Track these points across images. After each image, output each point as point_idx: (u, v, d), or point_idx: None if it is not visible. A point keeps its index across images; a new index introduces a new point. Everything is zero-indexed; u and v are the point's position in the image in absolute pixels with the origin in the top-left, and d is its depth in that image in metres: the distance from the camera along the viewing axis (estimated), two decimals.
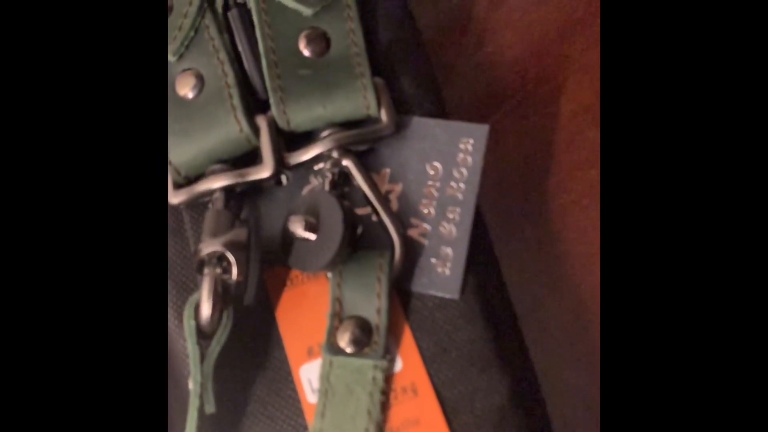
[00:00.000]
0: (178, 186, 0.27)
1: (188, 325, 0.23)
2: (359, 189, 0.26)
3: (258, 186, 0.27)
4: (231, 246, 0.24)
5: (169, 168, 0.26)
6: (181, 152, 0.26)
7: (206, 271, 0.24)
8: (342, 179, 0.27)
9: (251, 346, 0.26)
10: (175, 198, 0.26)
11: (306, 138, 0.27)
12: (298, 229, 0.24)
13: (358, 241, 0.25)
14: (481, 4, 0.36)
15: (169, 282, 0.27)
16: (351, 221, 0.25)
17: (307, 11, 0.27)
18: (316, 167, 0.27)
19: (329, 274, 0.25)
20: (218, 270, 0.24)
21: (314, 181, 0.27)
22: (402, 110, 0.27)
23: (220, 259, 0.24)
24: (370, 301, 0.24)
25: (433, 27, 0.35)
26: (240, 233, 0.24)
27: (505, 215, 0.32)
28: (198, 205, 0.27)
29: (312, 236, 0.24)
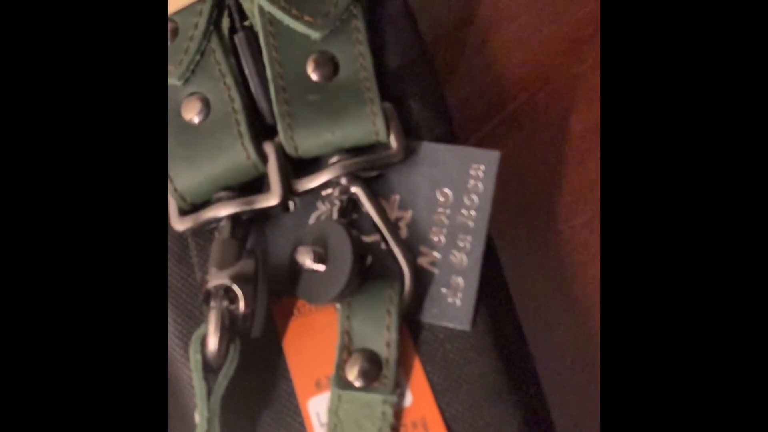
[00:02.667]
0: (183, 213, 0.26)
1: (194, 360, 0.23)
2: (368, 216, 0.26)
3: (264, 212, 0.26)
4: (238, 278, 0.23)
5: (174, 194, 0.26)
6: (186, 178, 0.26)
7: (213, 303, 0.23)
8: (350, 206, 0.26)
9: (258, 376, 0.25)
10: (180, 225, 0.26)
11: (313, 163, 0.26)
12: (307, 261, 0.24)
13: (367, 272, 0.25)
14: (490, 22, 0.35)
15: (175, 310, 0.26)
16: (360, 252, 0.24)
17: (315, 35, 0.26)
18: (323, 193, 0.26)
19: (338, 305, 0.25)
20: (225, 303, 0.23)
21: (322, 207, 0.27)
22: (411, 135, 0.27)
23: (227, 291, 0.23)
24: (380, 334, 0.24)
25: (439, 45, 0.35)
26: (247, 265, 0.24)
27: (514, 238, 0.32)
28: (203, 231, 0.26)
29: (321, 267, 0.24)
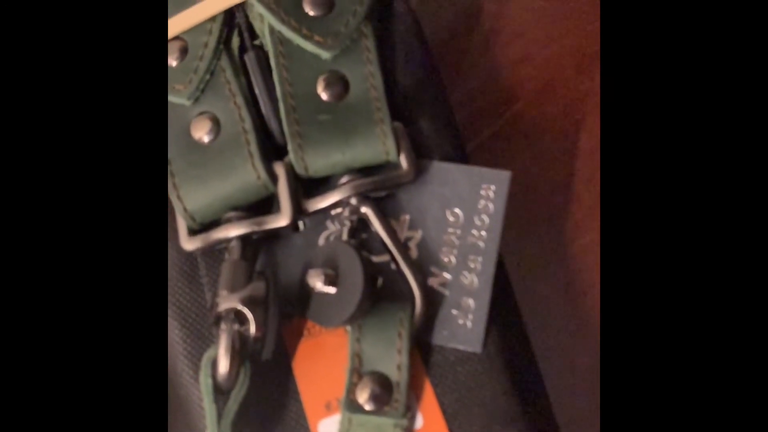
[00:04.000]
0: (192, 232, 0.26)
1: (205, 383, 0.23)
2: (377, 235, 0.26)
3: (274, 232, 0.26)
4: (249, 302, 0.23)
5: (184, 214, 0.26)
6: (196, 198, 0.26)
7: (223, 326, 0.23)
8: (360, 226, 0.26)
9: (268, 398, 0.25)
10: (189, 245, 0.26)
11: (322, 181, 0.26)
12: (318, 284, 0.24)
13: (378, 293, 0.25)
14: (497, 39, 0.35)
15: (184, 330, 0.26)
16: (371, 274, 0.24)
17: (326, 55, 0.26)
18: (333, 212, 0.26)
19: (348, 327, 0.25)
20: (236, 326, 0.23)
21: (331, 227, 0.26)
22: (421, 153, 0.27)
23: (238, 314, 0.23)
24: (391, 357, 0.24)
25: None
26: (258, 287, 0.24)
27: (522, 255, 0.32)
28: (213, 250, 0.26)
29: (332, 290, 0.24)
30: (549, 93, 0.34)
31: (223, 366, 0.23)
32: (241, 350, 0.23)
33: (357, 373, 0.24)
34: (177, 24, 0.27)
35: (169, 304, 0.26)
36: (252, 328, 0.23)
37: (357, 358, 0.24)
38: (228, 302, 0.23)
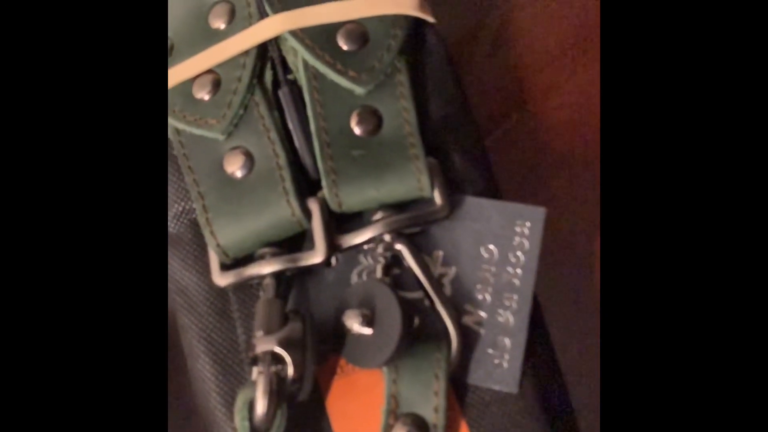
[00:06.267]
0: (224, 267, 0.26)
1: (242, 426, 0.23)
2: (410, 270, 0.25)
3: (307, 268, 0.26)
4: (286, 343, 0.23)
5: (217, 249, 0.26)
6: (229, 234, 0.25)
7: (261, 368, 0.23)
8: (393, 261, 0.26)
9: None
10: (222, 280, 0.26)
11: (354, 215, 0.26)
12: (355, 325, 0.24)
13: (415, 334, 0.25)
14: (504, 43, 0.35)
15: (216, 366, 0.26)
16: (408, 315, 0.24)
17: (360, 90, 0.26)
18: (365, 246, 0.26)
19: (384, 368, 0.24)
20: (273, 367, 0.23)
21: (363, 261, 0.26)
22: (453, 188, 0.26)
23: (275, 354, 0.23)
24: (428, 399, 0.24)
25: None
26: (295, 329, 0.23)
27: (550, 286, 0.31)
28: (245, 286, 0.26)
29: (368, 331, 0.24)
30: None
31: (261, 408, 0.23)
32: (279, 392, 0.23)
33: (393, 414, 0.24)
34: (210, 57, 0.27)
35: (201, 340, 0.26)
36: (290, 371, 0.23)
37: (393, 399, 0.24)
38: (265, 344, 0.23)
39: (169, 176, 0.27)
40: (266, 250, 0.26)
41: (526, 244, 0.26)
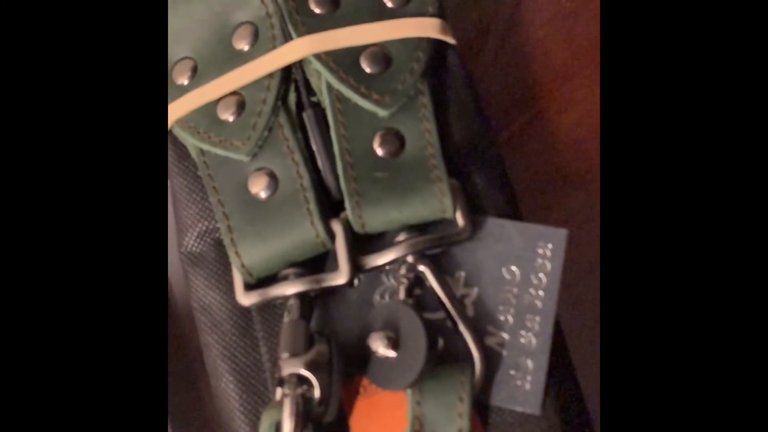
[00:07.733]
0: (249, 287, 0.26)
1: None
2: (432, 291, 0.26)
3: (331, 289, 0.26)
4: (313, 366, 0.23)
5: (241, 269, 0.26)
6: (253, 254, 0.26)
7: (287, 390, 0.23)
8: (415, 281, 0.26)
9: None
10: (246, 300, 0.26)
11: (377, 235, 0.26)
12: (380, 348, 0.24)
13: (439, 355, 0.25)
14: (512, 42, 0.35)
15: (240, 386, 0.26)
16: (433, 338, 0.24)
17: (383, 112, 0.26)
18: (388, 267, 0.26)
19: (408, 390, 0.25)
20: (299, 390, 0.23)
21: (386, 281, 0.26)
22: (475, 208, 0.27)
23: (301, 377, 0.23)
24: (452, 422, 0.24)
25: None
26: (321, 351, 0.24)
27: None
28: (268, 306, 0.26)
29: (393, 354, 0.24)
30: (566, 95, 0.34)
31: (287, 429, 0.23)
32: (305, 414, 0.23)
33: None
34: (235, 79, 0.27)
35: (224, 359, 0.27)
36: (316, 393, 0.23)
37: (417, 421, 0.24)
38: (291, 367, 0.23)
39: (193, 196, 0.28)
40: (290, 270, 0.26)
41: (548, 265, 0.26)
